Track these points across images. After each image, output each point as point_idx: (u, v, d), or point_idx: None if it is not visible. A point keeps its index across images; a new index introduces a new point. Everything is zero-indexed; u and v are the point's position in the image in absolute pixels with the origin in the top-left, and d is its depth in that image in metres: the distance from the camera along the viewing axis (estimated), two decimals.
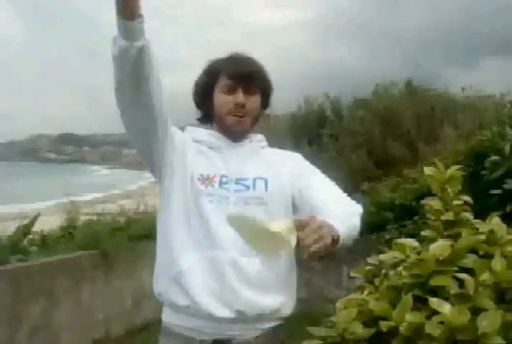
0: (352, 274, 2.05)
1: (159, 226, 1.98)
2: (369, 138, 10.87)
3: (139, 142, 1.93)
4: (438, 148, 9.01)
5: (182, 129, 2.12)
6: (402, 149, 10.39)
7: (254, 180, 1.94)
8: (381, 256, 1.96)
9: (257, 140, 2.10)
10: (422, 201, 1.96)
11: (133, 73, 1.70)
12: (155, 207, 6.59)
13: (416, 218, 5.23)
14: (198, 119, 2.14)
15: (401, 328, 1.49)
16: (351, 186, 7.95)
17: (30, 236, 5.79)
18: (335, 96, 12.81)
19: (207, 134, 2.05)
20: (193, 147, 2.00)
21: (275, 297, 1.88)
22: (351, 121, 11.55)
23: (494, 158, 3.90)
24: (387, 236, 5.46)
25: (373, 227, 6.18)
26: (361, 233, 6.29)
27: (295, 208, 1.99)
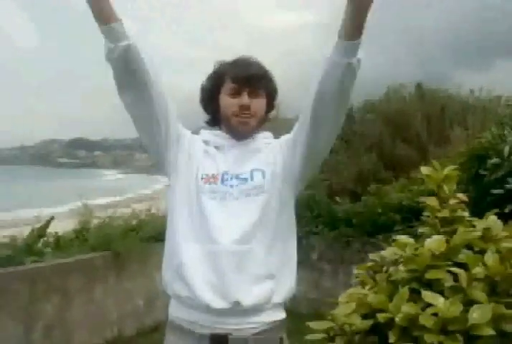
0: (355, 271, 2.12)
1: (167, 223, 2.06)
2: (379, 141, 10.89)
3: (147, 141, 2.03)
4: (448, 150, 9.01)
5: (197, 132, 2.20)
6: (412, 151, 10.41)
7: (252, 172, 2.00)
8: (382, 253, 2.04)
9: (262, 138, 2.13)
10: (419, 199, 2.03)
11: (124, 71, 1.84)
12: (166, 209, 6.64)
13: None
14: (206, 122, 2.22)
15: (397, 319, 1.57)
16: (361, 188, 7.98)
17: (44, 239, 5.88)
18: None
19: (213, 134, 2.12)
20: (201, 149, 2.07)
21: (268, 284, 1.90)
22: (362, 124, 11.55)
23: (494, 159, 3.94)
24: (394, 237, 5.49)
25: (380, 228, 6.23)
26: (370, 233, 6.29)
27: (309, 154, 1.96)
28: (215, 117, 2.15)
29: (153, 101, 1.90)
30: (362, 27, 1.67)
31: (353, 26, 1.67)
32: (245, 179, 1.98)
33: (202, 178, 1.98)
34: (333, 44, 1.74)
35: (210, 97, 2.12)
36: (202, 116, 2.25)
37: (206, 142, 2.10)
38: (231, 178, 1.98)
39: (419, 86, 12.10)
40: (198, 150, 2.07)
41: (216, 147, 2.07)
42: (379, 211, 6.45)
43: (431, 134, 10.88)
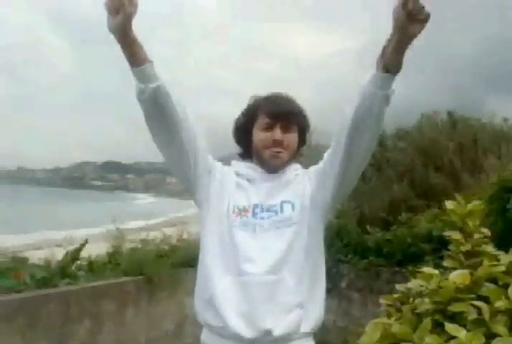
0: (381, 301, 2.16)
1: (200, 252, 2.12)
2: (411, 169, 10.85)
3: (176, 173, 2.13)
4: (481, 179, 8.93)
5: (227, 162, 2.28)
6: (444, 179, 10.33)
7: (281, 204, 2.05)
8: (408, 284, 2.08)
9: (292, 170, 2.18)
10: (444, 233, 2.07)
11: (154, 110, 1.94)
12: (198, 235, 6.70)
13: None
14: (238, 154, 2.29)
15: None
16: (393, 217, 7.96)
17: (78, 262, 6.00)
18: None
19: (246, 167, 2.18)
20: (233, 181, 2.13)
21: (297, 313, 1.96)
22: (394, 151, 11.51)
23: None
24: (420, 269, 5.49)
25: (410, 258, 6.21)
26: (399, 263, 6.23)
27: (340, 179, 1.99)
28: (247, 150, 2.23)
29: (182, 138, 1.99)
30: (402, 60, 1.74)
31: (395, 59, 1.73)
32: (275, 211, 2.04)
33: (234, 211, 2.04)
34: (370, 73, 1.80)
35: (244, 130, 2.20)
36: (235, 146, 2.32)
37: (238, 174, 2.16)
38: (262, 211, 2.04)
39: (450, 114, 12.05)
40: (230, 181, 2.13)
41: (248, 180, 2.14)
42: (409, 241, 6.45)
43: (464, 162, 10.80)
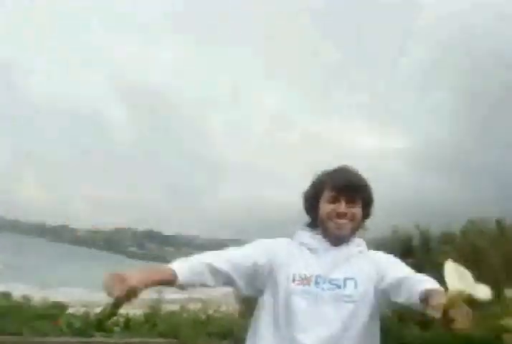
0: None
1: (251, 322, 2.18)
2: None
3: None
4: None
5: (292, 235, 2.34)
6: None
7: (345, 280, 2.08)
8: None
9: (355, 245, 2.23)
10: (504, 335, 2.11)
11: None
12: (237, 309, 6.72)
13: None
14: (307, 224, 2.32)
15: None
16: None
17: (115, 318, 6.09)
18: (424, 226, 12.56)
19: (310, 236, 2.24)
20: (296, 251, 2.19)
21: None
22: (438, 254, 11.39)
23: None
24: None
25: None
26: None
27: (385, 296, 2.04)
28: (315, 222, 2.28)
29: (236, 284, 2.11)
30: None
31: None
32: (338, 286, 2.08)
33: (294, 280, 2.09)
34: (416, 291, 1.81)
35: (311, 203, 2.28)
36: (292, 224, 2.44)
37: (301, 244, 2.22)
38: (324, 282, 2.07)
39: (498, 222, 11.97)
40: (293, 253, 2.19)
41: (310, 249, 2.19)
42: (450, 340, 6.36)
43: (508, 274, 10.65)
